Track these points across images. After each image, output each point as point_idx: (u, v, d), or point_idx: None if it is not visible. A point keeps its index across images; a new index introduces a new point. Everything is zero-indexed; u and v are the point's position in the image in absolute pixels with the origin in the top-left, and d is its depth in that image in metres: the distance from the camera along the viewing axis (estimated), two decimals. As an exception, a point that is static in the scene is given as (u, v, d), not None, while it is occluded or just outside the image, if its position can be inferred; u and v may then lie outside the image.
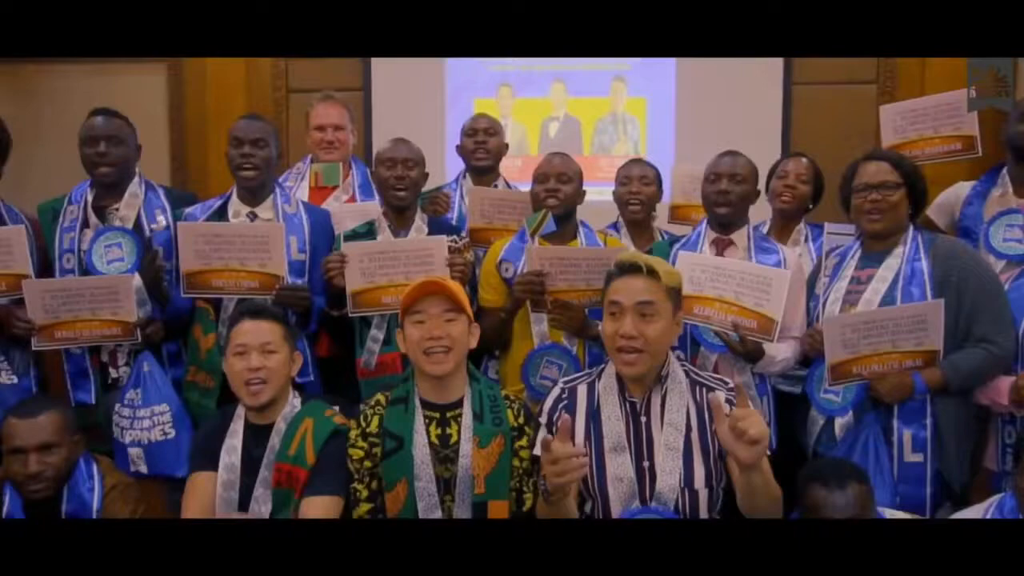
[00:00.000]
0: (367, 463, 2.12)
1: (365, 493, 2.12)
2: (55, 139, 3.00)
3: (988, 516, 2.09)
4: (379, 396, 2.21)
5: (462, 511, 2.06)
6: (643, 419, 2.00)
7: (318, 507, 2.11)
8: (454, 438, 2.10)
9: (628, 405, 2.02)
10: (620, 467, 1.96)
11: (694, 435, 1.98)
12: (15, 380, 2.65)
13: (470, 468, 2.06)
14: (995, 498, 2.13)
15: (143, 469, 2.59)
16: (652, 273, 1.97)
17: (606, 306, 2.01)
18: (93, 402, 2.70)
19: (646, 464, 1.96)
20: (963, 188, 2.95)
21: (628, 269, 2.00)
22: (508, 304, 2.61)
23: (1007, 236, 2.74)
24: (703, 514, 1.97)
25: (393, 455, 2.07)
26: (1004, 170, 2.88)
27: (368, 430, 2.13)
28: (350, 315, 2.63)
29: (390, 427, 2.10)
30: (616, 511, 1.95)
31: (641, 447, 1.98)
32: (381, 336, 2.69)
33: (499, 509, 2.06)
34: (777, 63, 4.45)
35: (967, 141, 2.92)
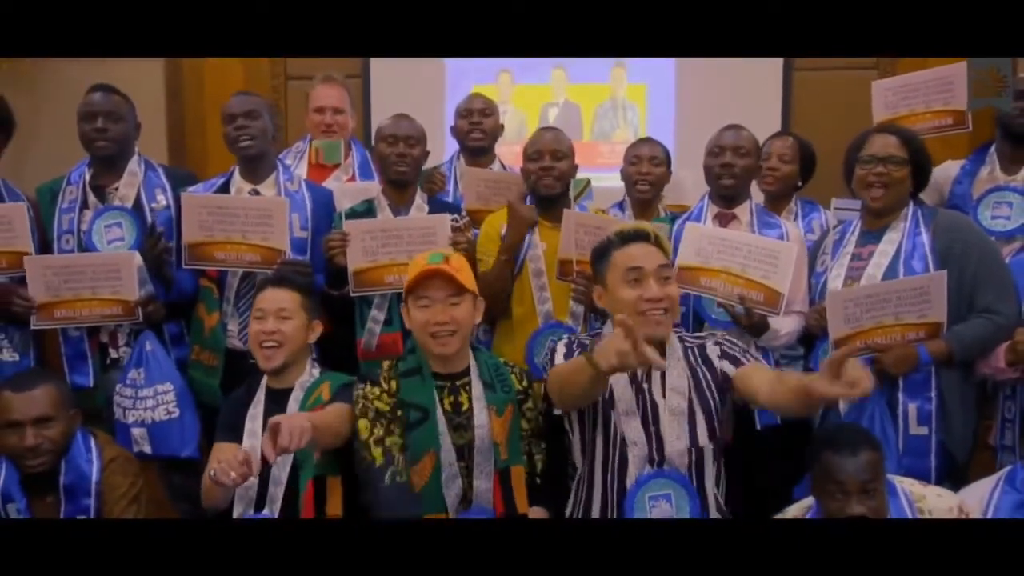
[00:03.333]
0: (389, 404, 2.11)
1: (400, 428, 2.09)
2: (52, 127, 2.98)
3: (998, 489, 2.10)
4: (387, 363, 2.19)
5: (481, 480, 2.08)
6: (645, 385, 2.03)
7: (338, 408, 2.11)
8: (465, 405, 2.11)
9: (630, 371, 2.02)
10: (633, 431, 2.01)
11: (693, 395, 2.03)
12: (16, 358, 2.62)
13: (488, 436, 2.08)
14: (1004, 471, 2.14)
15: (147, 449, 2.57)
16: (658, 241, 2.05)
17: (621, 273, 2.00)
18: (91, 385, 2.67)
19: (652, 429, 2.01)
20: (951, 167, 2.95)
21: (635, 237, 2.04)
22: (508, 239, 2.58)
23: (995, 213, 2.74)
24: (710, 466, 2.03)
25: (420, 426, 2.07)
26: (992, 148, 2.89)
27: (389, 389, 2.13)
28: (352, 295, 2.60)
29: (412, 398, 2.09)
30: (632, 474, 2.00)
31: (647, 412, 2.02)
32: (382, 316, 2.66)
33: (519, 473, 2.10)
34: (777, 50, 4.44)
35: (957, 116, 2.89)
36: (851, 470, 1.89)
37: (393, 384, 2.13)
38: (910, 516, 1.96)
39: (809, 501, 2.05)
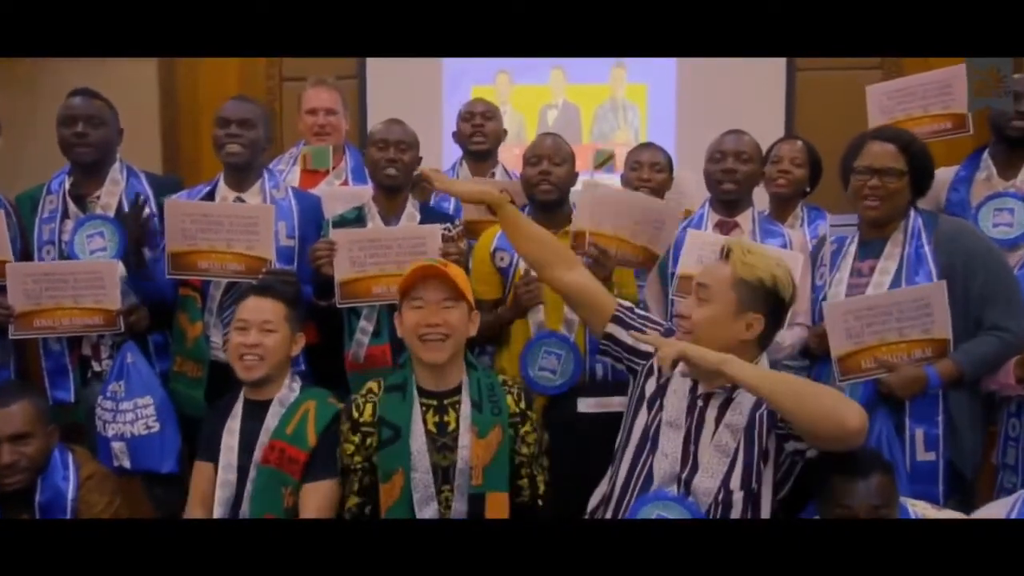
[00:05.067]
0: (357, 458, 2.09)
1: (356, 486, 2.09)
2: (46, 130, 2.95)
3: (1014, 513, 2.01)
4: (371, 384, 2.17)
5: (460, 504, 2.03)
6: (700, 403, 1.95)
7: (320, 493, 2.12)
8: (452, 426, 2.06)
9: (692, 384, 1.97)
10: (670, 443, 1.93)
11: (742, 438, 1.91)
12: None
13: (469, 459, 2.03)
14: (1019, 494, 2.05)
15: (126, 464, 2.53)
16: (727, 257, 1.94)
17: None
18: (72, 400, 2.63)
19: (691, 449, 1.92)
20: (947, 173, 2.87)
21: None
22: (508, 313, 2.52)
23: (996, 221, 2.68)
24: (735, 516, 1.91)
25: (390, 445, 2.04)
26: (986, 153, 2.83)
27: (361, 419, 2.10)
28: (338, 306, 2.55)
29: (387, 416, 2.06)
30: (655, 484, 1.93)
31: (691, 430, 1.94)
32: (371, 328, 2.61)
33: (498, 501, 2.03)
34: (780, 51, 4.42)
35: (957, 119, 2.83)
36: (861, 495, 1.83)
37: (368, 409, 2.10)
38: None
39: None
